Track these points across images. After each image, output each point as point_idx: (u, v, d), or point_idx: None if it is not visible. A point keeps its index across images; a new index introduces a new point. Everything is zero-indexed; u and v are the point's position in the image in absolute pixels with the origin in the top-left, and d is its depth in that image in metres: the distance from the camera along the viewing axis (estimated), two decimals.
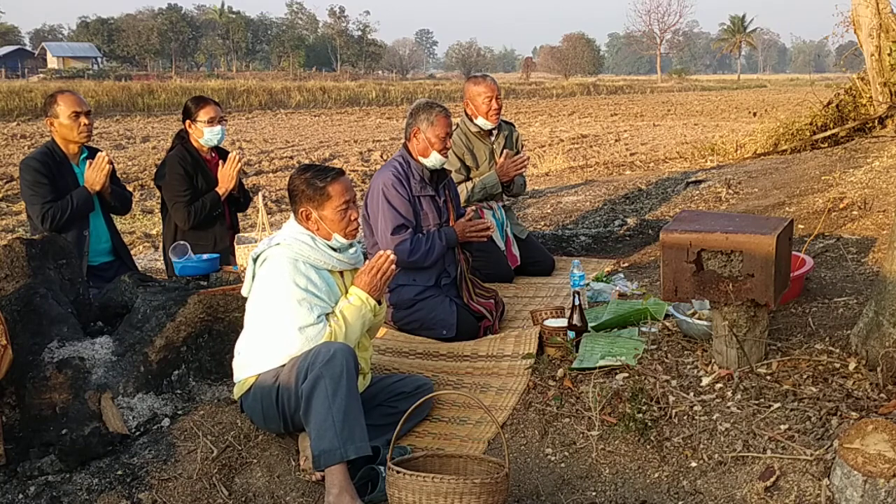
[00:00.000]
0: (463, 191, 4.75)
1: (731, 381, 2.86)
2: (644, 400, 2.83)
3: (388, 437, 2.67)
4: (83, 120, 4.04)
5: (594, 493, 2.62)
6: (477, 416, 3.12)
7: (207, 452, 2.81)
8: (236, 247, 3.98)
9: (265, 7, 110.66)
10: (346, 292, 2.96)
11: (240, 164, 4.48)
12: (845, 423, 2.49)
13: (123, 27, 77.65)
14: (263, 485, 2.74)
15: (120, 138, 21.05)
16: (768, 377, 2.85)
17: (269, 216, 6.89)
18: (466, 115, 4.97)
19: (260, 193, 6.61)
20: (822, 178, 6.27)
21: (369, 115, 32.36)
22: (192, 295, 3.34)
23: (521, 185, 5.11)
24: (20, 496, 2.59)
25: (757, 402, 2.72)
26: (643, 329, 3.49)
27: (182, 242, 4.03)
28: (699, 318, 3.27)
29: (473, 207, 4.74)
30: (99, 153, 4.17)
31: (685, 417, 2.75)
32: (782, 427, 2.57)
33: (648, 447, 2.70)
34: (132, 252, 5.47)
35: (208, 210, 4.36)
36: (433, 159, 3.98)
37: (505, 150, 4.94)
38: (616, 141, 19.14)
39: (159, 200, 4.61)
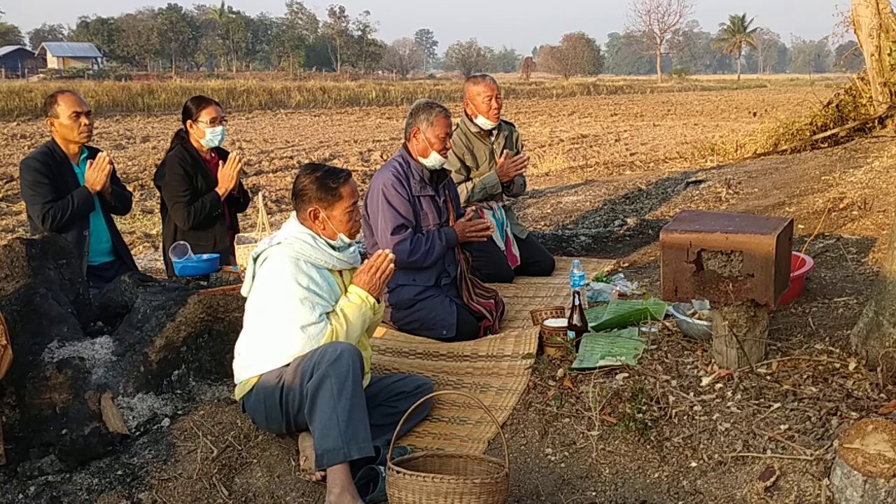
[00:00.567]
0: (463, 191, 4.75)
1: (731, 381, 2.86)
2: (644, 400, 2.83)
3: (388, 437, 2.67)
4: (83, 120, 4.04)
5: (594, 493, 2.62)
6: (477, 416, 3.12)
7: (207, 452, 2.81)
8: (236, 247, 3.98)
9: (265, 7, 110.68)
10: (346, 291, 2.96)
11: (240, 165, 4.48)
12: (845, 423, 2.49)
13: (123, 27, 77.66)
14: (263, 485, 2.74)
15: (120, 138, 21.05)
16: (768, 377, 2.85)
17: (269, 216, 6.89)
18: (466, 115, 4.97)
19: (260, 193, 6.61)
20: (822, 178, 6.28)
21: (369, 115, 32.36)
22: (192, 295, 3.34)
23: (521, 186, 5.11)
24: (20, 496, 2.59)
25: (757, 402, 2.72)
26: (643, 329, 3.49)
27: (182, 242, 4.03)
28: (699, 318, 3.27)
29: (473, 207, 4.75)
30: (99, 153, 4.17)
31: (685, 417, 2.75)
32: (782, 427, 2.57)
33: (648, 447, 2.70)
34: (132, 252, 5.47)
35: (208, 210, 4.36)
36: (433, 159, 3.98)
37: (505, 151, 4.94)
38: (616, 141, 19.14)
39: (159, 200, 4.61)
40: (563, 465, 2.78)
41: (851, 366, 2.80)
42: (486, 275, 4.56)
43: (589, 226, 6.53)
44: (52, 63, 68.04)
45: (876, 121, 8.52)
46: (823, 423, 2.54)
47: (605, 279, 4.50)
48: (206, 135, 4.38)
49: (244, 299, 2.99)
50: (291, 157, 16.40)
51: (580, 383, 3.12)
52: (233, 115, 30.83)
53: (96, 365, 3.02)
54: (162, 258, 5.33)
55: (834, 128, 8.90)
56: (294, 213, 3.01)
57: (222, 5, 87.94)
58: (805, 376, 2.82)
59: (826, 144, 8.71)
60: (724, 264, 2.81)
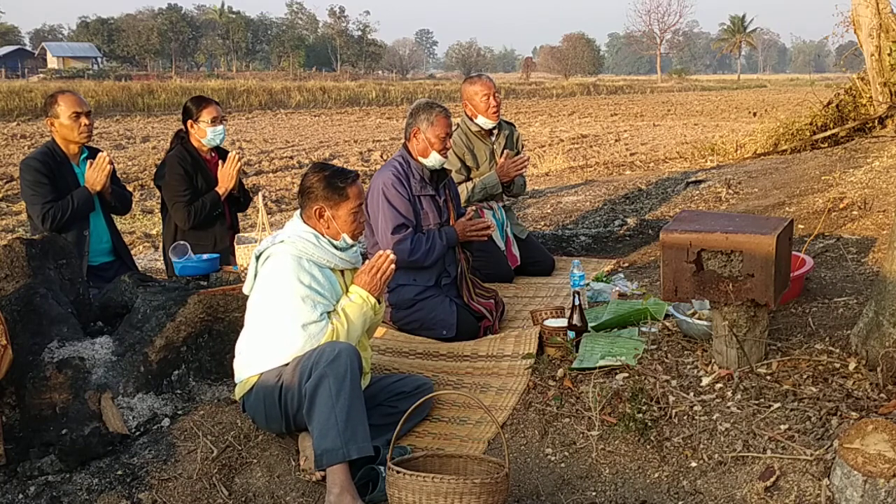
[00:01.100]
0: (463, 191, 4.75)
1: (731, 381, 2.86)
2: (644, 400, 2.83)
3: (388, 437, 2.67)
4: (84, 120, 4.04)
5: (594, 493, 2.62)
6: (477, 416, 3.12)
7: (207, 452, 2.81)
8: (236, 247, 3.98)
9: (265, 7, 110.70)
10: (347, 291, 2.97)
11: (239, 164, 4.48)
12: (845, 423, 2.49)
13: (123, 27, 77.65)
14: (263, 485, 2.74)
15: (120, 138, 21.05)
16: (768, 377, 2.85)
17: (269, 216, 6.89)
18: (466, 115, 4.97)
19: (260, 193, 6.61)
20: (822, 178, 6.28)
21: (369, 115, 32.36)
22: (192, 295, 3.34)
23: (522, 186, 5.11)
24: (20, 496, 2.59)
25: (757, 402, 2.72)
26: (643, 329, 3.49)
27: (182, 242, 4.03)
28: (699, 318, 3.27)
29: (474, 207, 4.75)
30: (99, 153, 4.17)
31: (685, 417, 2.75)
32: (782, 427, 2.57)
33: (648, 447, 2.70)
34: (132, 252, 5.47)
35: (208, 210, 4.36)
36: (433, 159, 3.98)
37: (505, 151, 4.94)
38: (616, 141, 19.14)
39: (159, 200, 4.61)
40: (563, 465, 2.78)
41: (851, 366, 2.80)
42: (486, 275, 4.56)
43: (589, 226, 6.53)
44: (52, 63, 68.04)
45: (876, 121, 8.52)
46: (823, 423, 2.54)
47: (605, 279, 4.50)
48: (207, 134, 4.38)
49: (244, 299, 2.99)
50: (291, 157, 16.41)
51: (580, 383, 3.12)
52: (233, 115, 30.83)
53: (96, 365, 3.01)
54: (162, 258, 5.33)
55: (834, 128, 8.90)
56: (298, 211, 3.01)
57: (222, 5, 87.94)
58: (805, 376, 2.82)
59: (826, 144, 8.71)
60: (724, 264, 2.81)
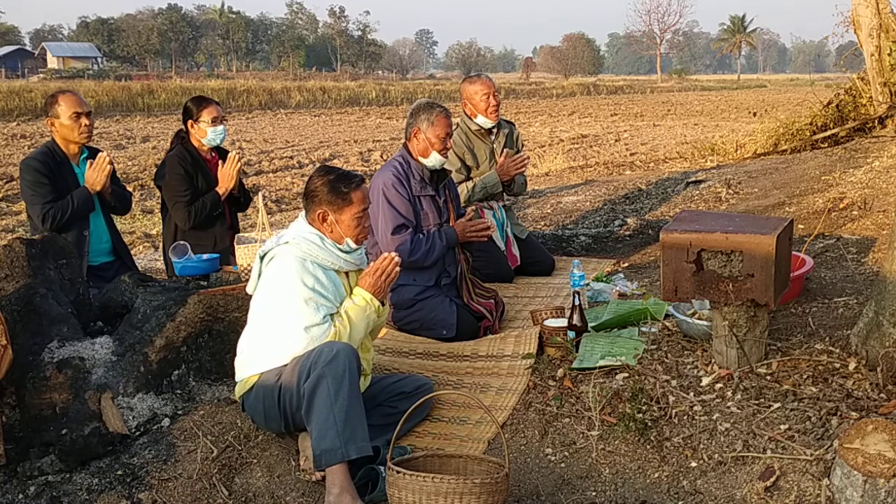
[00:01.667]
0: (463, 190, 4.75)
1: (731, 381, 2.86)
2: (644, 400, 2.83)
3: (388, 437, 2.67)
4: (84, 121, 4.04)
5: (594, 493, 2.62)
6: (477, 416, 3.12)
7: (207, 452, 2.81)
8: (236, 247, 3.98)
9: (265, 7, 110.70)
10: (351, 293, 2.96)
11: (240, 164, 4.48)
12: (845, 423, 2.49)
13: (123, 27, 77.65)
14: (263, 485, 2.74)
15: (120, 138, 21.05)
16: (768, 377, 2.85)
17: (269, 216, 6.89)
18: (466, 114, 4.97)
19: (260, 193, 6.60)
20: (822, 178, 6.28)
21: (369, 115, 32.36)
22: (192, 295, 3.34)
23: (522, 185, 5.11)
24: (20, 496, 2.59)
25: (757, 402, 2.72)
26: (643, 329, 3.49)
27: (182, 242, 4.03)
28: (699, 318, 3.27)
29: (474, 207, 4.75)
30: (100, 153, 4.17)
31: (685, 417, 2.75)
32: (782, 427, 2.57)
33: (648, 447, 2.70)
34: (132, 252, 5.47)
35: (208, 210, 4.36)
36: (433, 159, 3.98)
37: (505, 150, 4.94)
38: (616, 141, 19.14)
39: (159, 200, 4.61)
40: (563, 465, 2.78)
41: (851, 366, 2.80)
42: (486, 275, 4.56)
43: (589, 226, 6.53)
44: (52, 63, 68.03)
45: (876, 121, 8.52)
46: (823, 423, 2.54)
47: (605, 279, 4.50)
48: (207, 134, 4.38)
49: (244, 299, 2.99)
50: (291, 157, 16.41)
51: (580, 383, 3.12)
52: (233, 115, 30.83)
53: (96, 365, 3.02)
54: (162, 258, 5.33)
55: (834, 128, 8.90)
56: (303, 212, 3.01)
57: (222, 5, 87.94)
58: (805, 376, 2.82)
59: (826, 144, 8.71)
60: (724, 264, 2.81)
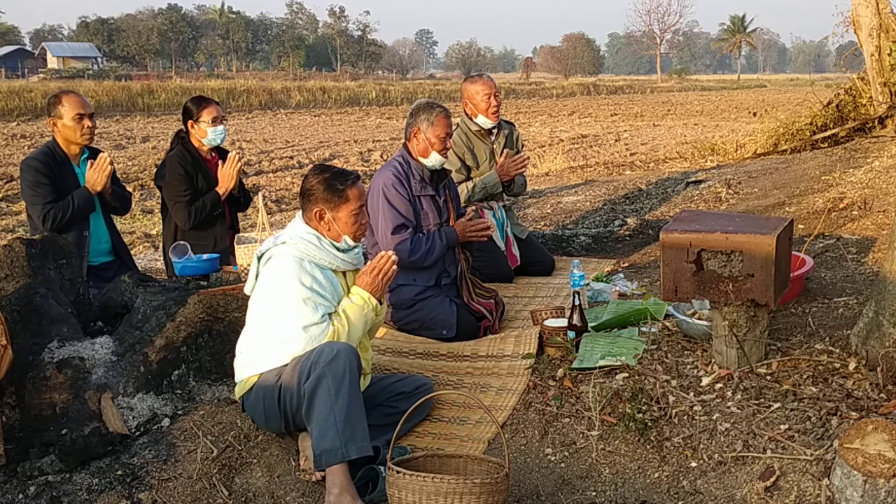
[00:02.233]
0: (463, 190, 4.75)
1: (731, 381, 2.86)
2: (644, 400, 2.83)
3: (388, 437, 2.67)
4: (87, 122, 4.04)
5: (594, 493, 2.62)
6: (477, 416, 3.12)
7: (207, 452, 2.81)
8: (236, 247, 3.98)
9: (265, 7, 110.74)
10: (348, 292, 2.96)
11: (240, 164, 4.48)
12: (845, 423, 2.49)
13: (123, 27, 77.64)
14: (263, 485, 2.74)
15: (120, 138, 21.05)
16: (768, 377, 2.85)
17: (269, 216, 6.89)
18: (466, 114, 4.97)
19: (260, 193, 6.61)
20: (822, 178, 6.28)
21: (369, 115, 32.35)
22: (192, 295, 3.34)
23: (522, 185, 5.11)
24: (20, 496, 2.59)
25: (757, 402, 2.72)
26: (643, 329, 3.49)
27: (182, 242, 4.03)
28: (699, 318, 3.27)
29: (474, 207, 4.74)
30: (100, 154, 4.17)
31: (685, 417, 2.75)
32: (782, 427, 2.57)
33: (648, 447, 2.70)
34: (132, 252, 5.47)
35: (209, 210, 4.36)
36: (433, 159, 3.98)
37: (505, 150, 4.94)
38: (616, 141, 19.14)
39: (159, 200, 4.61)
40: (563, 465, 2.78)
41: (851, 366, 2.80)
42: (486, 275, 4.56)
43: (589, 226, 6.53)
44: (52, 63, 68.03)
45: (876, 121, 8.52)
46: (823, 423, 2.54)
47: (605, 279, 4.50)
48: (208, 134, 4.38)
49: (244, 299, 2.99)
50: (291, 157, 16.40)
51: (580, 383, 3.12)
52: (233, 115, 30.82)
53: (96, 365, 3.02)
54: (162, 258, 5.33)
55: (834, 128, 8.89)
56: (300, 212, 3.01)
57: (222, 5, 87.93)
58: (805, 376, 2.82)
59: (826, 144, 8.70)
60: (724, 264, 2.81)
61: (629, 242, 5.83)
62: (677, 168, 9.68)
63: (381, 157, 16.34)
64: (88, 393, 2.90)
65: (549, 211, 7.17)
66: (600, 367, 3.13)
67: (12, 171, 13.22)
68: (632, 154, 15.34)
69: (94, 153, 4.20)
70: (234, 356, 2.96)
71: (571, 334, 3.40)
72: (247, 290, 2.98)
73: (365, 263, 3.06)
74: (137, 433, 2.90)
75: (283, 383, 2.74)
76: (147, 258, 6.54)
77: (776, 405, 2.68)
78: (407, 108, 4.23)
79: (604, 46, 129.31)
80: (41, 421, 2.83)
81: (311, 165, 15.03)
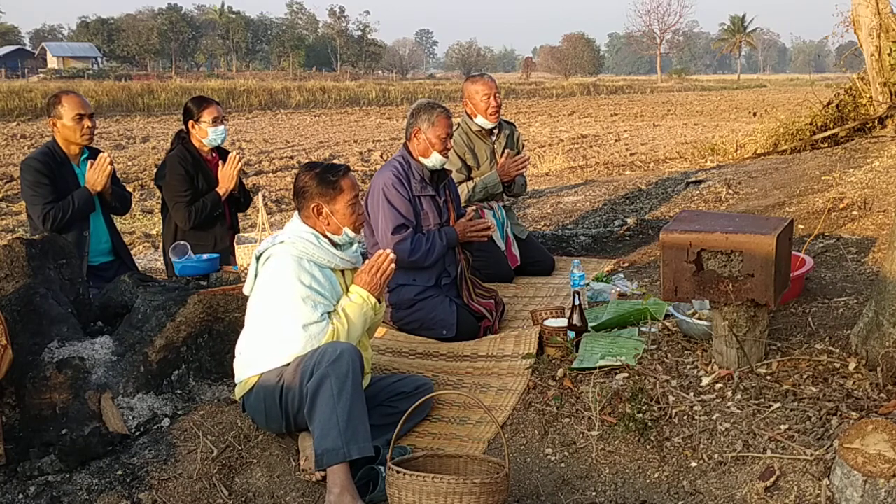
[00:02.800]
0: (464, 190, 4.75)
1: (731, 381, 2.86)
2: (644, 400, 2.83)
3: (388, 437, 2.67)
4: (87, 122, 4.04)
5: (594, 493, 2.62)
6: (477, 416, 3.12)
7: (207, 452, 2.81)
8: (236, 247, 3.98)
9: (265, 7, 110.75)
10: (347, 291, 2.97)
11: (240, 164, 4.48)
12: (845, 423, 2.49)
13: (123, 27, 77.63)
14: (263, 485, 2.74)
15: (120, 138, 21.05)
16: (768, 377, 2.85)
17: (269, 216, 6.89)
18: (467, 114, 4.96)
19: (260, 193, 6.61)
20: (822, 178, 6.28)
21: (369, 115, 32.35)
22: (192, 295, 3.34)
23: (522, 186, 5.11)
24: (20, 496, 2.59)
25: (757, 402, 2.72)
26: (643, 329, 3.49)
27: (182, 242, 4.03)
28: (699, 318, 3.27)
29: (474, 207, 4.74)
30: (100, 154, 4.17)
31: (685, 417, 2.76)
32: (782, 427, 2.57)
33: (648, 447, 2.70)
34: (132, 252, 5.47)
35: (209, 210, 4.36)
36: (433, 160, 3.98)
37: (506, 150, 4.94)
38: (616, 141, 19.14)
39: (159, 200, 4.61)
40: (563, 465, 2.78)
41: (851, 366, 2.80)
42: (486, 275, 4.56)
43: (589, 226, 6.53)
44: (52, 63, 68.02)
45: (876, 121, 8.52)
46: (823, 423, 2.54)
47: (605, 279, 4.50)
48: (208, 134, 4.38)
49: (244, 299, 2.99)
50: (291, 157, 16.40)
51: (580, 383, 3.12)
52: (233, 115, 30.82)
53: (96, 365, 3.02)
54: (162, 258, 5.33)
55: (834, 128, 8.89)
56: (296, 213, 3.01)
57: (222, 5, 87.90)
58: (805, 376, 2.82)
59: (826, 144, 8.70)
60: (724, 264, 2.81)
61: (629, 242, 5.83)
62: (677, 168, 9.68)
63: (381, 157, 16.34)
64: (88, 393, 2.90)
65: (549, 211, 7.17)
66: (600, 367, 3.13)
67: (12, 171, 13.22)
68: (632, 154, 15.34)
69: (94, 153, 4.20)
70: (234, 356, 2.96)
71: (571, 334, 3.40)
72: (246, 291, 2.98)
73: (364, 263, 3.06)
74: (137, 433, 2.90)
75: (284, 383, 2.74)
76: (147, 258, 6.54)
77: (776, 405, 2.68)
78: (407, 108, 4.23)
79: (604, 46, 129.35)
80: (41, 421, 2.83)
81: None
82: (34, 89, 32.94)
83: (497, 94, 4.90)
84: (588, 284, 4.24)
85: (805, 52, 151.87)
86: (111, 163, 4.10)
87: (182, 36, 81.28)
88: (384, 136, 21.54)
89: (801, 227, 4.89)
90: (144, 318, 3.25)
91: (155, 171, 4.77)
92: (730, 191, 6.63)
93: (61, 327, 3.15)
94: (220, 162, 4.46)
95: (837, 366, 2.84)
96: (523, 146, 5.30)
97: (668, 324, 3.48)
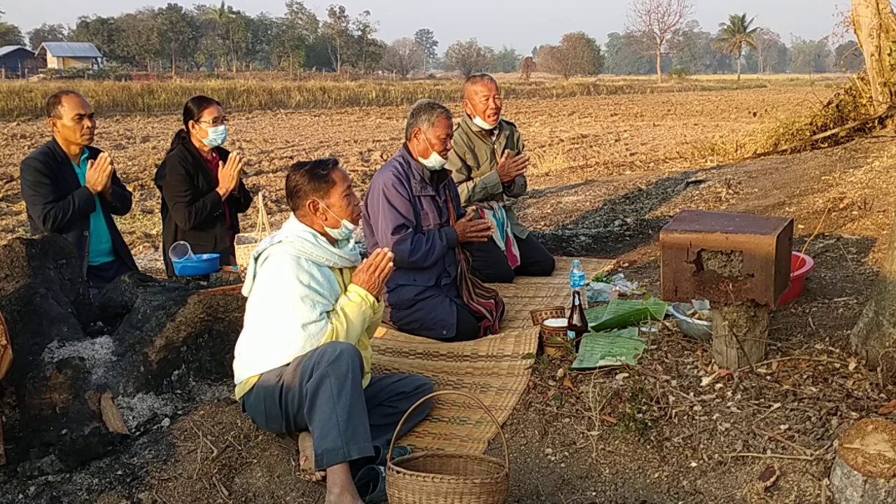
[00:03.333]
0: (464, 191, 4.75)
1: (731, 381, 2.86)
2: (644, 400, 2.83)
3: (388, 437, 2.67)
4: (86, 122, 4.04)
5: (594, 493, 2.62)
6: (477, 416, 3.12)
7: (207, 452, 2.81)
8: (236, 247, 3.98)
9: (265, 7, 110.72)
10: (346, 289, 2.97)
11: (240, 164, 4.48)
12: (845, 423, 2.49)
13: (123, 27, 77.62)
14: (263, 485, 2.74)
15: (120, 138, 21.05)
16: (768, 377, 2.85)
17: (269, 216, 6.89)
18: (467, 114, 4.97)
19: (260, 193, 6.61)
20: (822, 178, 6.28)
21: (369, 115, 32.35)
22: (192, 295, 3.34)
23: (522, 186, 5.11)
24: (20, 496, 2.59)
25: (757, 402, 2.72)
26: (643, 329, 3.49)
27: (182, 242, 4.03)
28: (699, 318, 3.27)
29: (474, 207, 4.75)
30: (100, 154, 4.17)
31: (685, 417, 2.76)
32: (782, 427, 2.57)
33: (648, 447, 2.70)
34: (132, 252, 5.47)
35: (209, 210, 4.36)
36: (433, 160, 3.98)
37: (506, 151, 4.94)
38: (616, 141, 19.14)
39: (159, 200, 4.61)
40: (563, 465, 2.78)
41: (851, 366, 2.80)
42: (486, 275, 4.56)
43: (589, 226, 6.53)
44: (52, 63, 68.02)
45: (876, 121, 8.52)
46: (823, 423, 2.54)
47: (605, 279, 4.50)
48: (209, 134, 4.38)
49: (244, 299, 2.99)
50: (291, 157, 16.39)
51: (580, 383, 3.12)
52: (233, 115, 30.81)
53: (96, 365, 3.02)
54: (162, 258, 5.33)
55: (834, 128, 8.89)
56: (292, 213, 3.01)
57: (222, 5, 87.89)
58: (805, 376, 2.82)
59: (826, 144, 8.70)
60: (724, 264, 2.81)
61: (629, 242, 5.83)
62: (677, 168, 9.67)
63: (381, 157, 16.33)
64: (88, 393, 2.90)
65: (549, 211, 7.17)
66: (600, 367, 3.13)
67: (12, 171, 13.22)
68: (632, 154, 15.33)
69: (94, 153, 4.20)
70: (233, 356, 2.96)
71: (571, 334, 3.40)
72: (244, 292, 2.98)
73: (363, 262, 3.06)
74: (137, 433, 2.90)
75: (284, 383, 2.74)
76: (147, 258, 6.54)
77: (776, 405, 2.68)
78: (407, 109, 4.23)
79: (604, 46, 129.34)
80: (41, 421, 2.83)
81: None
82: (34, 89, 32.94)
83: (497, 96, 4.90)
84: (588, 284, 4.24)
85: (805, 52, 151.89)
86: (111, 163, 4.10)
87: (182, 36, 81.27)
88: (384, 136, 21.54)
89: (801, 227, 4.89)
90: (144, 318, 3.25)
91: (155, 171, 4.77)
92: (730, 191, 6.63)
93: (61, 327, 3.15)
94: (221, 162, 4.46)
95: (837, 366, 2.84)
96: (523, 146, 5.30)
97: (668, 324, 3.48)
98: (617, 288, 4.23)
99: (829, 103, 9.36)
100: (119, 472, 2.70)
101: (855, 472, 2.15)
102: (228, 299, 3.39)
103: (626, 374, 3.05)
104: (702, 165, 9.64)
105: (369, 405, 2.78)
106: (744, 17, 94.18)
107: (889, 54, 8.14)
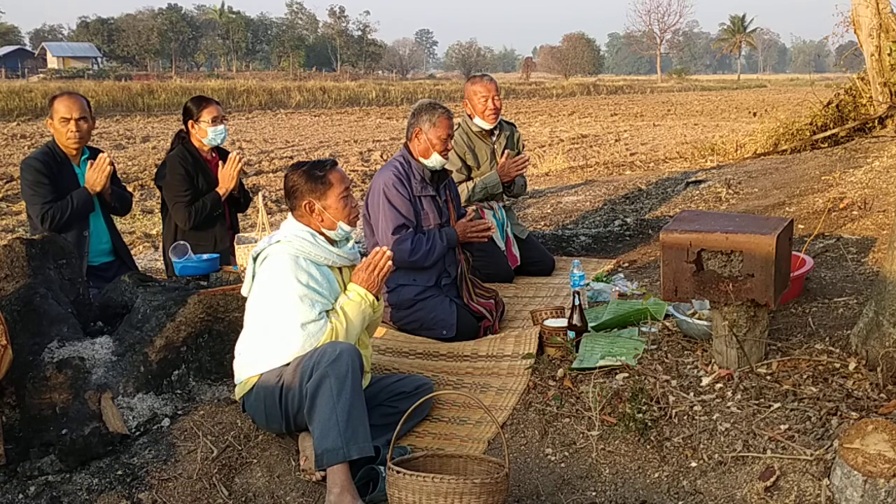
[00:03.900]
0: (464, 191, 4.75)
1: (731, 381, 2.86)
2: (644, 400, 2.83)
3: (389, 437, 2.67)
4: (72, 126, 4.04)
5: (594, 493, 2.62)
6: (477, 416, 3.12)
7: (207, 452, 2.81)
8: (236, 247, 3.98)
9: (265, 7, 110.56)
10: (345, 288, 2.97)
11: (240, 164, 4.48)
12: (845, 423, 2.49)
13: (123, 27, 77.61)
14: (263, 485, 2.74)
15: (120, 138, 21.04)
16: (768, 377, 2.85)
17: (269, 216, 6.89)
18: (467, 114, 4.97)
19: (260, 193, 6.61)
20: (822, 178, 6.28)
21: (369, 115, 32.34)
22: (192, 295, 3.34)
23: (522, 186, 5.11)
24: (20, 496, 2.59)
25: (757, 402, 2.72)
26: (643, 329, 3.50)
27: (182, 242, 4.03)
28: (699, 318, 3.27)
29: (474, 207, 4.75)
30: (100, 154, 4.17)
31: (685, 417, 2.76)
32: (782, 427, 2.57)
33: (648, 447, 2.70)
34: (132, 252, 5.47)
35: (209, 210, 4.36)
36: (434, 160, 3.98)
37: (506, 151, 4.94)
38: (616, 141, 19.14)
39: (159, 200, 4.61)
40: (563, 465, 2.78)
41: (851, 366, 2.80)
42: (486, 275, 4.56)
43: (589, 226, 6.53)
44: (53, 63, 68.02)
45: (876, 121, 8.52)
46: (823, 423, 2.54)
47: (605, 279, 4.50)
48: (208, 134, 4.38)
49: (244, 299, 2.99)
50: (291, 157, 16.38)
51: (580, 383, 3.12)
52: (233, 115, 30.81)
53: (96, 365, 3.02)
54: (162, 258, 5.33)
55: (834, 128, 8.89)
56: (290, 213, 3.01)
57: (222, 5, 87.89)
58: (805, 376, 2.82)
59: (826, 144, 8.70)
60: (724, 264, 2.81)
61: (629, 242, 5.83)
62: (677, 168, 9.67)
63: (381, 157, 16.32)
64: (88, 393, 2.90)
65: (549, 211, 7.17)
66: (600, 367, 3.13)
67: (12, 171, 13.22)
68: (632, 154, 15.33)
69: (94, 153, 4.20)
70: (233, 356, 2.96)
71: (571, 334, 3.41)
72: (244, 292, 2.98)
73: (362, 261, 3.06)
74: (137, 433, 2.90)
75: (284, 383, 2.74)
76: (147, 258, 6.54)
77: (776, 405, 2.68)
78: (407, 108, 4.24)
79: (604, 46, 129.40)
80: (41, 421, 2.83)
81: None
82: (34, 89, 32.93)
83: (496, 97, 4.89)
84: (588, 284, 4.24)
85: (805, 52, 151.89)
86: (111, 163, 4.10)
87: (182, 36, 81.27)
88: (384, 136, 21.54)
89: (801, 227, 4.89)
90: (144, 318, 3.25)
91: (155, 171, 4.77)
92: (730, 191, 6.63)
93: (61, 327, 3.15)
94: (220, 162, 4.46)
95: (837, 366, 2.84)
96: (523, 146, 5.30)
97: (668, 324, 3.48)
98: (617, 288, 4.23)
99: (829, 103, 9.36)
100: (119, 472, 2.70)
101: (855, 472, 2.15)
102: (228, 299, 3.39)
103: (626, 374, 3.05)
104: (702, 165, 9.64)
105: (369, 405, 2.78)
106: (744, 17, 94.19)
107: (889, 54, 8.14)
